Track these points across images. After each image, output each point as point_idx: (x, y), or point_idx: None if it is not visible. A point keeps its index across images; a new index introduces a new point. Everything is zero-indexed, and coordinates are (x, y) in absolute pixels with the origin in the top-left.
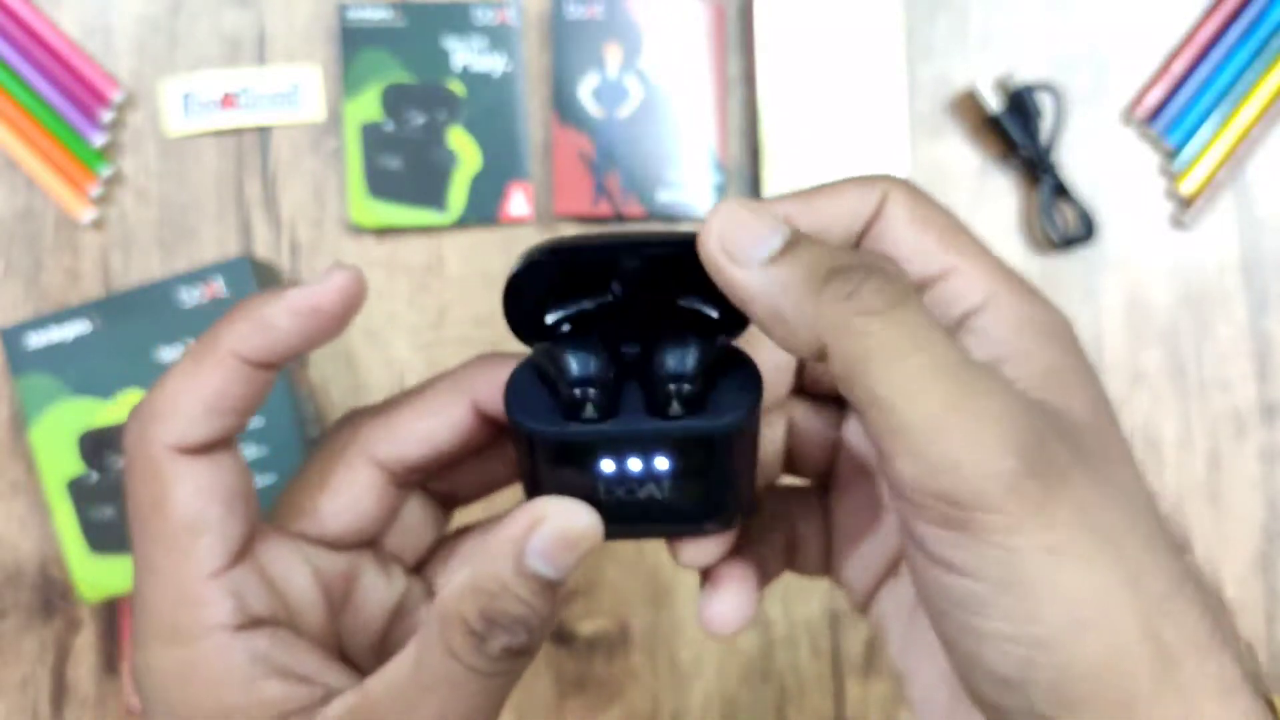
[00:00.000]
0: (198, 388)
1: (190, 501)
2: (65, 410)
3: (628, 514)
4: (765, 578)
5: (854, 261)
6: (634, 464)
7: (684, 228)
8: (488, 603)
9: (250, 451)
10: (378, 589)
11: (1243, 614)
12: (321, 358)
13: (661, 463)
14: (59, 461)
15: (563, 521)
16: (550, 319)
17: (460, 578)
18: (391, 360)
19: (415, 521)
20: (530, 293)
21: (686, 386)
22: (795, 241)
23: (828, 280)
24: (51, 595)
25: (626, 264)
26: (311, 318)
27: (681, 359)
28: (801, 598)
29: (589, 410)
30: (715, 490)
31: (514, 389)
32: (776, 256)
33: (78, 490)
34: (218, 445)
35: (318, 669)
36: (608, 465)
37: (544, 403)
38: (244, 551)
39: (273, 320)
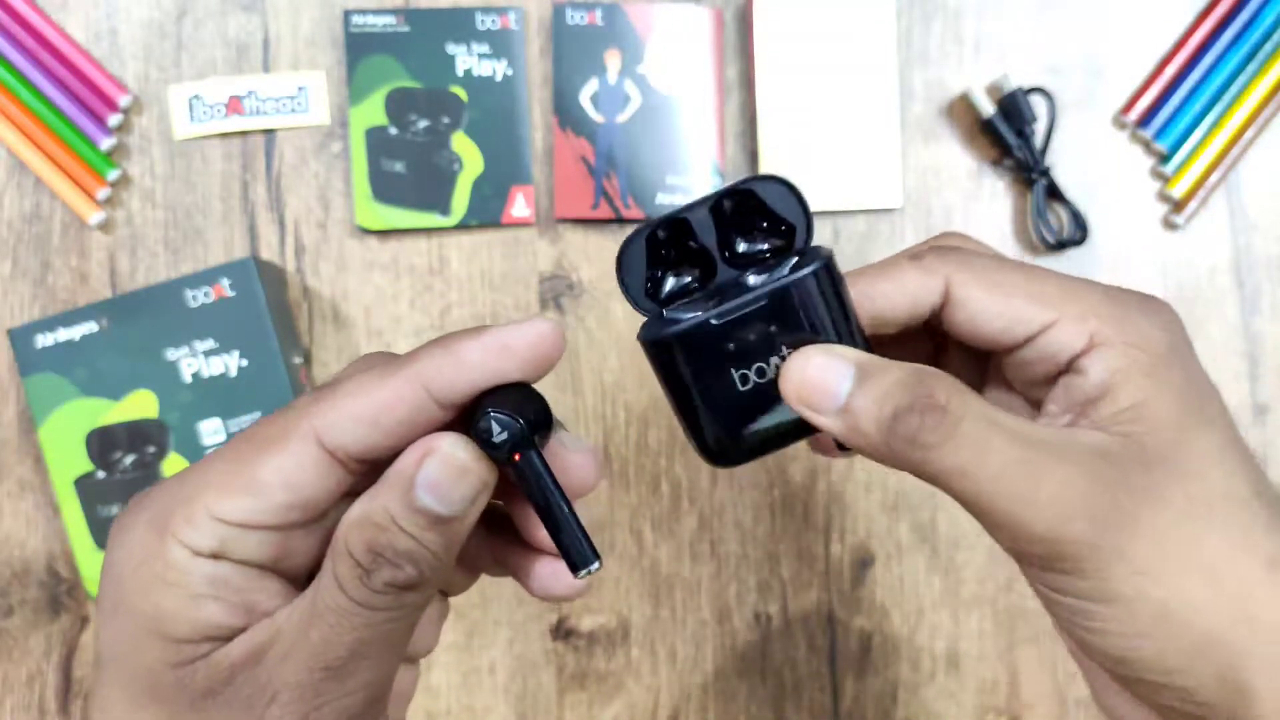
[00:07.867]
0: (369, 397)
1: (283, 471)
2: (73, 409)
3: (760, 412)
4: None
5: (907, 401)
6: (749, 335)
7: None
8: (374, 535)
9: None
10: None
11: None
12: (326, 357)
13: (770, 327)
14: (67, 460)
15: (449, 449)
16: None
17: (353, 511)
18: None
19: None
20: (635, 265)
21: (765, 253)
22: (858, 388)
23: (892, 428)
24: (59, 592)
25: (697, 219)
26: (501, 355)
27: (751, 245)
28: (799, 594)
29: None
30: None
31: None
32: (844, 407)
33: (85, 488)
34: (353, 461)
35: (276, 607)
36: (730, 345)
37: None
38: (268, 526)
39: (464, 354)
